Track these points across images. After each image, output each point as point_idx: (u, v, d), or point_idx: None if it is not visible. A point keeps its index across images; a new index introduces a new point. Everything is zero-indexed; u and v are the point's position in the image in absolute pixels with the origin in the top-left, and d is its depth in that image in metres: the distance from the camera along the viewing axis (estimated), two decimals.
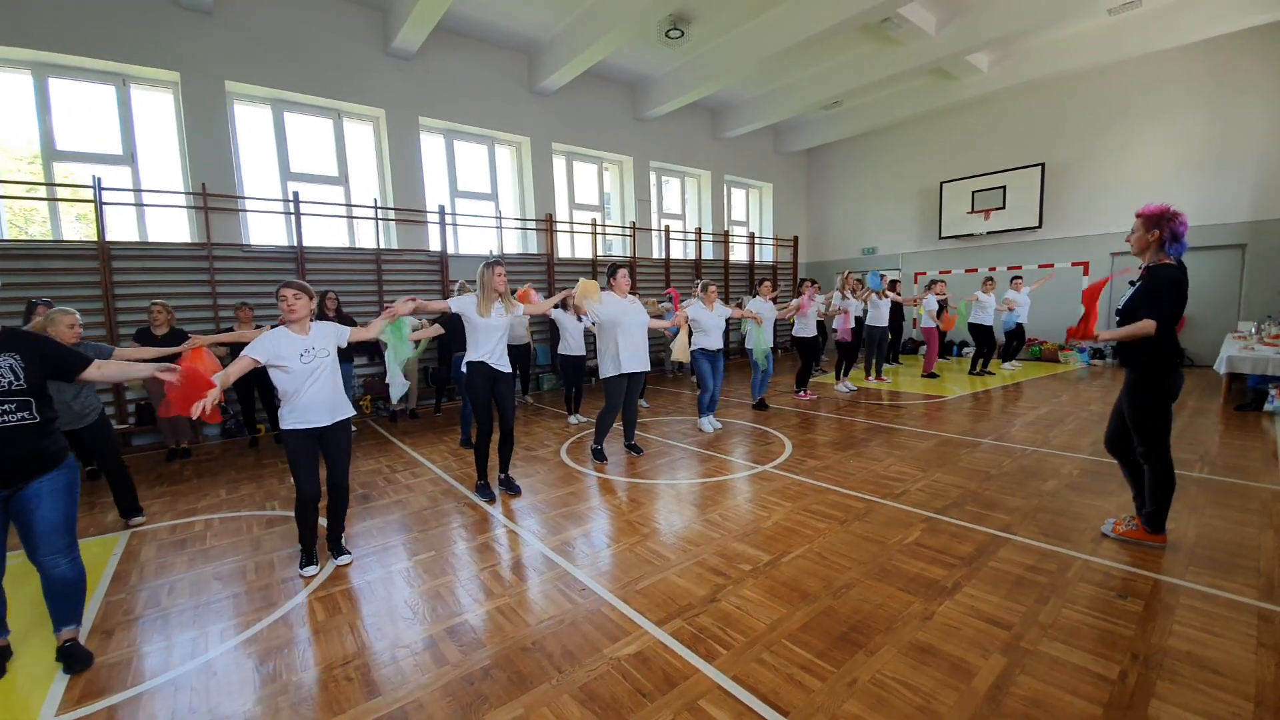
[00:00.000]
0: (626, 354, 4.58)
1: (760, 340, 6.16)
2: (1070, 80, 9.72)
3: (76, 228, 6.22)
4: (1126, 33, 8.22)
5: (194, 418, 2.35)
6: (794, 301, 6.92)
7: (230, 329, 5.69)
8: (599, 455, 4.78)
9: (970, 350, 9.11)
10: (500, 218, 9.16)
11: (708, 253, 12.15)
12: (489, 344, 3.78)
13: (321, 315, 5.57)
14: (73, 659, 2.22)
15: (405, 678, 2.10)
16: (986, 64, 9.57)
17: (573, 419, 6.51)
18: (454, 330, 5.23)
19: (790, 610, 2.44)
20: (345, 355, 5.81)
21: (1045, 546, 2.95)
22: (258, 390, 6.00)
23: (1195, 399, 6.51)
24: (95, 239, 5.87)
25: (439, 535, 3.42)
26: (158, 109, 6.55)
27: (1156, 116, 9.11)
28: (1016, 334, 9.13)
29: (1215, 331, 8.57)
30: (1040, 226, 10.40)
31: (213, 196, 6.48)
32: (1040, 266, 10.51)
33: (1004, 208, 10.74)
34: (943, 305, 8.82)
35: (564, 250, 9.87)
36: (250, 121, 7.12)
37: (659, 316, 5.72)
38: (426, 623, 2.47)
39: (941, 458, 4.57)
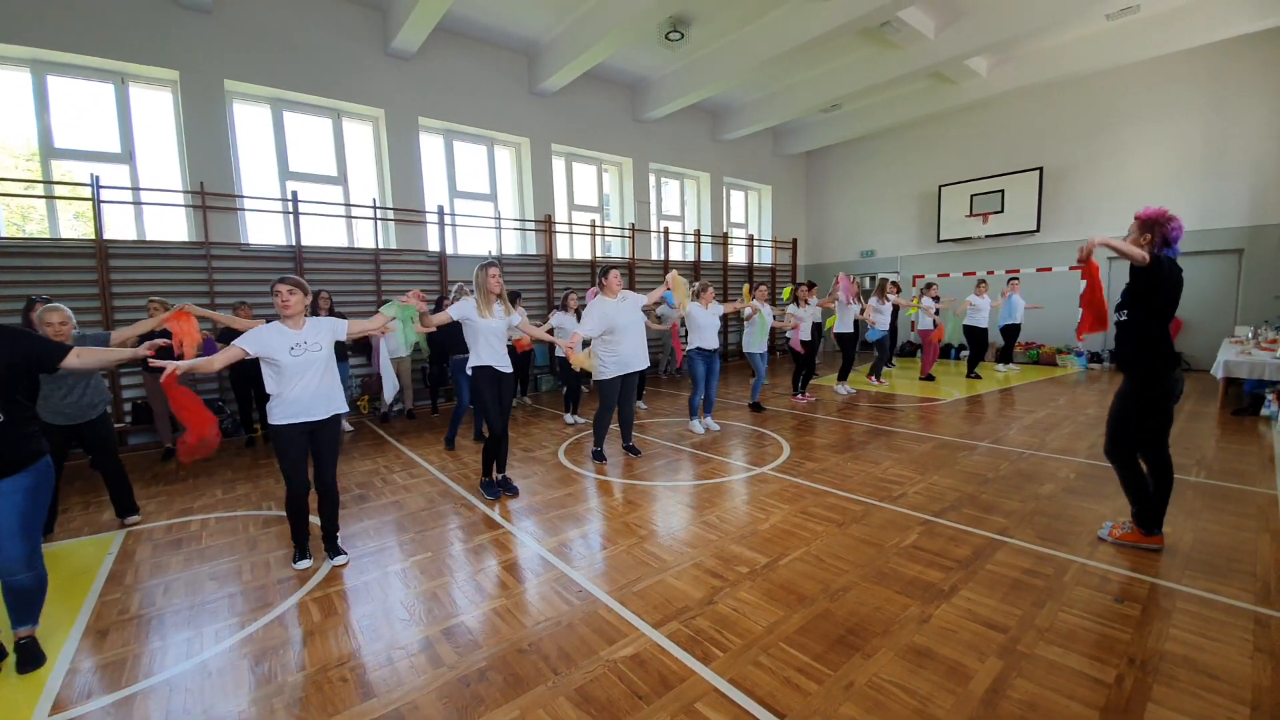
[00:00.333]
0: (621, 355, 4.59)
1: (761, 324, 6.21)
2: (1069, 85, 9.75)
3: (74, 226, 6.21)
4: (1125, 38, 8.26)
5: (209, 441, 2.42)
6: (791, 309, 6.95)
7: (230, 329, 5.67)
8: (599, 457, 4.79)
9: (968, 353, 9.13)
10: (499, 218, 9.15)
11: (706, 254, 12.16)
12: (492, 346, 3.82)
13: (315, 312, 5.56)
14: (26, 658, 2.20)
15: (401, 679, 2.09)
16: (985, 68, 9.61)
17: (570, 419, 6.51)
18: (450, 333, 5.24)
19: (787, 613, 2.43)
20: (341, 355, 5.86)
21: (1042, 550, 2.95)
22: (254, 391, 5.98)
23: (1192, 403, 6.53)
24: (93, 237, 5.86)
25: (436, 536, 3.42)
26: (156, 107, 6.54)
27: (1154, 121, 9.14)
28: (1010, 332, 9.14)
29: (1212, 336, 8.59)
30: (1038, 230, 10.42)
31: (211, 195, 6.47)
32: (1038, 270, 10.54)
33: (1002, 211, 10.77)
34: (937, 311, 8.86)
35: (563, 251, 9.87)
36: (249, 120, 7.11)
37: (656, 319, 5.73)
38: (422, 624, 2.46)
39: (939, 461, 4.58)
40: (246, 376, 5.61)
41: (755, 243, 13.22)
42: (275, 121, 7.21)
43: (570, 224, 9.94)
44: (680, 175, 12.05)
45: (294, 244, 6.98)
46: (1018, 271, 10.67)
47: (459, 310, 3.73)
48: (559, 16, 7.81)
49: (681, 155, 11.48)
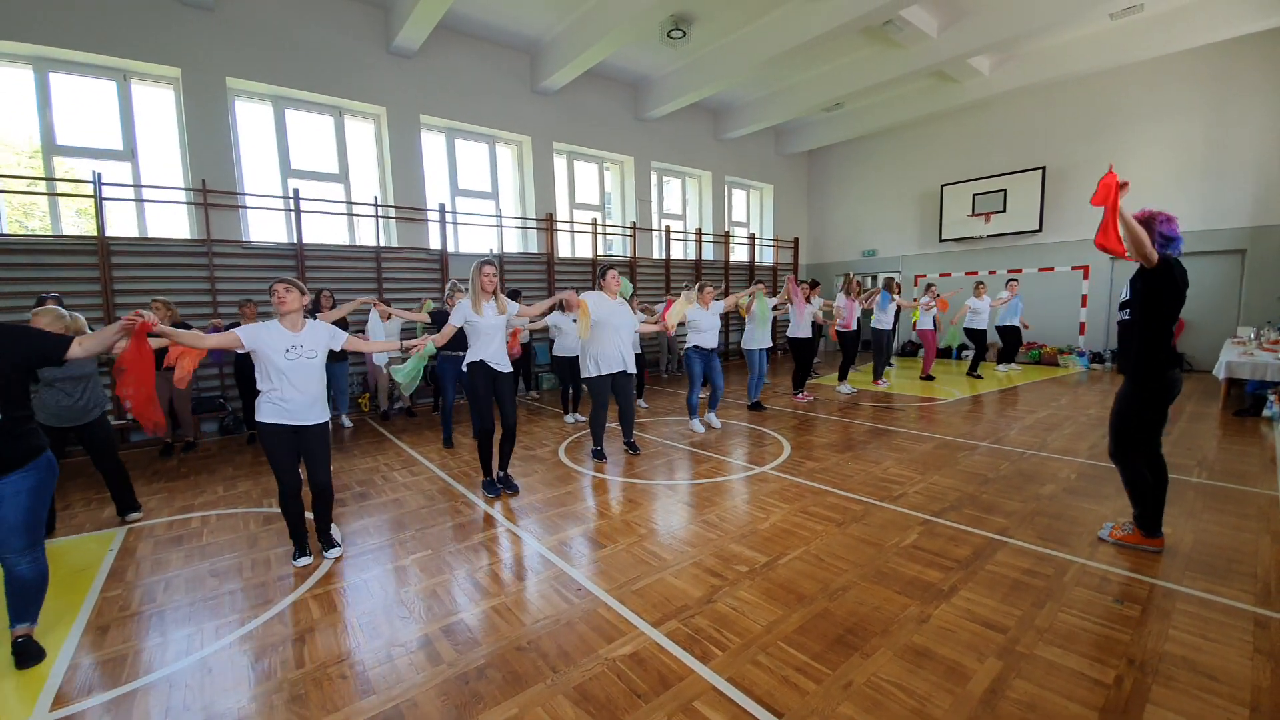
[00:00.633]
0: (608, 355, 4.62)
1: (762, 314, 6.24)
2: (1072, 84, 9.72)
3: (76, 223, 6.22)
4: (1128, 37, 8.23)
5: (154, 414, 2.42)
6: (839, 303, 7.01)
7: (236, 324, 5.65)
8: (599, 455, 4.81)
9: (970, 353, 9.13)
10: (501, 216, 9.15)
11: (708, 253, 12.15)
12: (488, 343, 3.84)
13: (316, 310, 5.56)
14: (24, 654, 2.21)
15: (400, 676, 2.10)
16: (988, 67, 9.58)
17: (569, 418, 6.52)
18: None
19: (786, 612, 2.43)
20: (340, 356, 5.86)
21: (1042, 550, 2.95)
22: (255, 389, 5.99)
23: (1194, 404, 6.51)
24: (95, 234, 5.86)
25: (435, 534, 3.42)
26: (158, 104, 6.54)
27: (1157, 121, 9.11)
28: (1011, 334, 9.14)
29: (1214, 336, 8.58)
30: (1041, 230, 10.40)
31: (213, 193, 6.47)
32: (1040, 270, 10.52)
33: (1004, 211, 10.74)
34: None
35: (564, 250, 9.87)
36: (251, 118, 7.11)
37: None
38: (422, 621, 2.47)
39: (939, 460, 4.57)
40: (248, 374, 5.61)
41: (757, 242, 13.20)
42: (277, 119, 7.22)
43: (572, 222, 9.94)
44: (682, 174, 12.04)
45: (295, 241, 6.99)
46: (1020, 272, 10.65)
47: (459, 315, 3.78)
48: (560, 15, 7.80)
49: (683, 154, 11.47)
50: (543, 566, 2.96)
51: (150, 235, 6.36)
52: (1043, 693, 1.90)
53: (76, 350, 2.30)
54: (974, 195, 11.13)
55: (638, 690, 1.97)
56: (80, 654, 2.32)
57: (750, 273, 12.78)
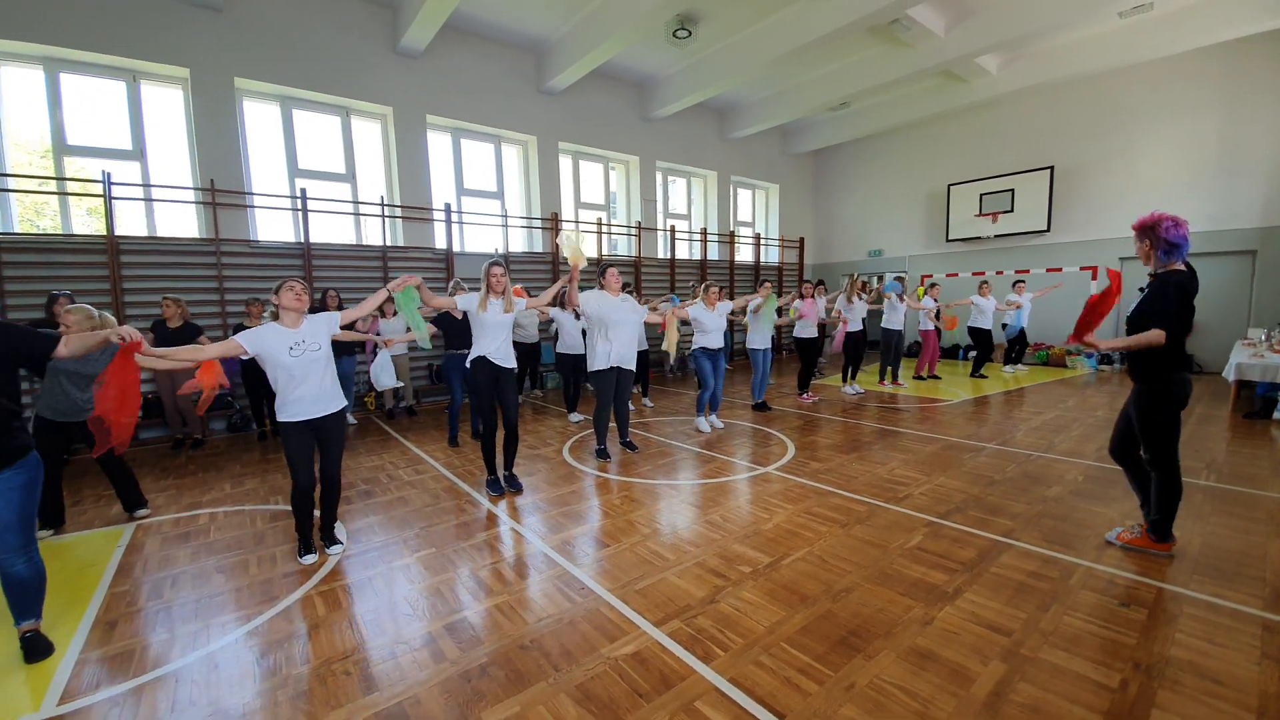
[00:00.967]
0: (614, 350, 4.69)
1: (768, 312, 6.25)
2: (1080, 83, 9.64)
3: (86, 222, 6.28)
4: (1137, 36, 8.16)
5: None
6: (796, 304, 6.91)
7: (241, 324, 5.71)
8: (602, 455, 4.82)
9: (975, 354, 9.09)
10: (506, 216, 9.17)
11: (713, 253, 12.13)
12: (492, 340, 3.88)
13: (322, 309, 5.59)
14: (33, 649, 2.24)
15: (403, 674, 2.11)
16: (995, 66, 9.52)
17: (573, 417, 6.53)
18: (451, 329, 5.27)
19: (789, 613, 2.43)
20: (348, 350, 5.89)
21: (1048, 553, 2.93)
22: (264, 387, 6.02)
23: (1203, 406, 6.45)
24: (105, 233, 5.92)
25: (440, 532, 3.44)
26: (168, 105, 6.60)
27: (1167, 120, 9.03)
28: (1018, 338, 9.10)
29: (1224, 338, 8.48)
30: (1048, 230, 10.33)
31: (221, 192, 6.52)
32: (1048, 270, 10.45)
33: (1012, 211, 10.67)
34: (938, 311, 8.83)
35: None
36: (259, 118, 7.16)
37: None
38: (426, 619, 2.48)
39: (945, 462, 4.55)
40: (256, 372, 5.65)
41: (762, 242, 13.17)
42: (285, 119, 7.26)
43: (577, 222, 9.95)
44: (687, 174, 12.03)
45: (303, 241, 7.03)
46: (1027, 272, 10.58)
47: (465, 301, 3.84)
48: (566, 15, 7.81)
49: (689, 154, 11.46)
50: (546, 565, 2.97)
51: (159, 234, 6.42)
52: (1047, 696, 1.89)
53: (62, 350, 2.28)
54: (981, 195, 11.06)
55: (640, 690, 1.98)
56: (88, 649, 2.34)
57: (755, 273, 12.76)
